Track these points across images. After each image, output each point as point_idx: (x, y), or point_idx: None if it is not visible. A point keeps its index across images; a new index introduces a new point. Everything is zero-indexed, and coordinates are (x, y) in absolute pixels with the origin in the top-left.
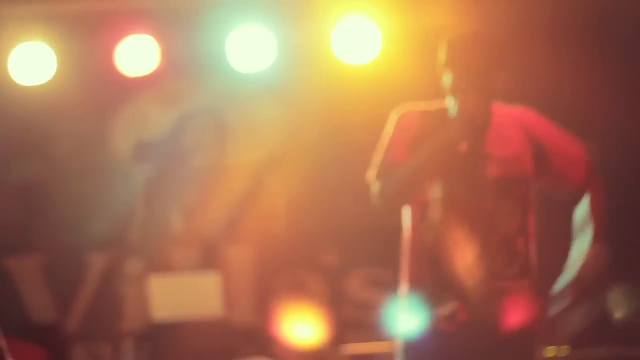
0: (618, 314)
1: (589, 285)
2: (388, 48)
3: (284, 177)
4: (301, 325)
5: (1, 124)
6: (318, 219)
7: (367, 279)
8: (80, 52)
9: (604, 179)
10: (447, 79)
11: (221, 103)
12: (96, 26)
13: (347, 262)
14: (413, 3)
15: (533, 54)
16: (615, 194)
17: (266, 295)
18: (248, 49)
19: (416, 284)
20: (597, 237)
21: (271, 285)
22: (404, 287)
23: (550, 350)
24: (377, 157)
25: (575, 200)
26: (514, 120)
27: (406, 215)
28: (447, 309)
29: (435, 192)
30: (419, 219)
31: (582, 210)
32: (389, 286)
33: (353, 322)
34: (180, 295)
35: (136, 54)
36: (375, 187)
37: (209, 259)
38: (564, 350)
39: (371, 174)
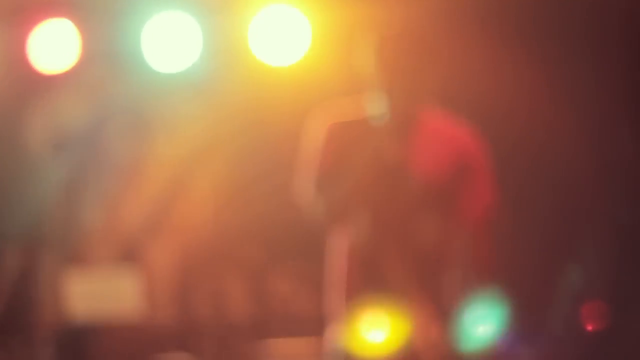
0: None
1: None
2: (316, 43)
3: (205, 172)
4: None
5: None
6: (240, 214)
7: (293, 276)
8: None
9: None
10: (371, 77)
11: (141, 98)
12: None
13: (271, 256)
14: None
15: (464, 48)
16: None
17: (188, 290)
18: (165, 46)
19: (351, 296)
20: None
21: (193, 281)
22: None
23: None
24: (307, 171)
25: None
26: (449, 135)
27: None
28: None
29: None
30: (347, 232)
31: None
32: (314, 281)
33: (277, 317)
34: (99, 291)
35: (52, 45)
36: (316, 201)
37: (128, 254)
38: None
39: (305, 188)
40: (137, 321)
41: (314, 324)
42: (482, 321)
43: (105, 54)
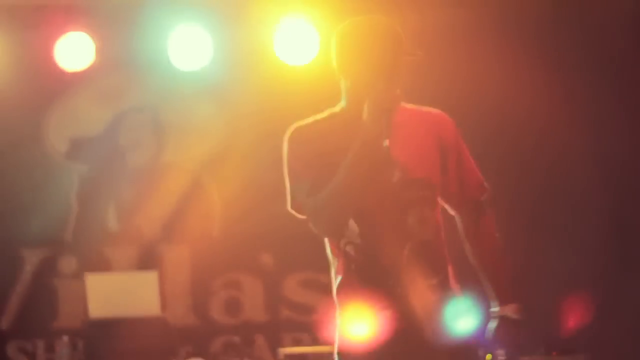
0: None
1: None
2: (326, 49)
3: (221, 177)
4: None
5: None
6: (255, 220)
7: (303, 282)
8: (17, 46)
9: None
10: (349, 70)
11: (158, 101)
12: (36, 21)
13: (283, 264)
14: (349, 4)
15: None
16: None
17: (202, 295)
18: (187, 47)
19: (349, 299)
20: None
21: (207, 286)
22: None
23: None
24: (291, 185)
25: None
26: (425, 120)
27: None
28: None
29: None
30: (344, 233)
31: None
32: (324, 289)
33: (288, 325)
34: (116, 294)
35: (73, 50)
36: (308, 213)
37: (145, 257)
38: (498, 357)
39: (294, 204)
40: (153, 324)
41: (323, 329)
42: (466, 314)
43: (124, 58)
